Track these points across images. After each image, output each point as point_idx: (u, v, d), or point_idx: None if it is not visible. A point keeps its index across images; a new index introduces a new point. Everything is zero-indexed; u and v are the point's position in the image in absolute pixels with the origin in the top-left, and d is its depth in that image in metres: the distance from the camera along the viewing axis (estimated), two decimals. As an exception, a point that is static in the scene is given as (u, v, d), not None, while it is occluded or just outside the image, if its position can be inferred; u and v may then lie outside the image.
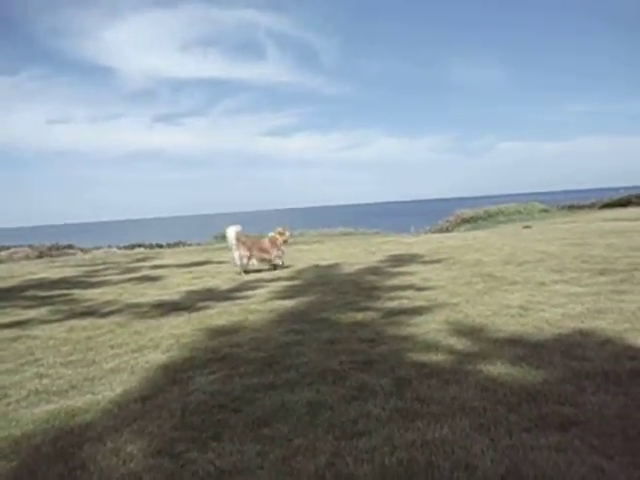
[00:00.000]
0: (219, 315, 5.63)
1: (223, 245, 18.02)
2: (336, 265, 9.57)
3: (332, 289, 6.86)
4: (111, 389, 3.46)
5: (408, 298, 5.85)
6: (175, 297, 7.08)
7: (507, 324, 4.45)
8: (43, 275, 11.21)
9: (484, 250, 10.16)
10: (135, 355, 4.26)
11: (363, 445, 2.45)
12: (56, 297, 7.77)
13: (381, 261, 9.72)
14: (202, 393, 3.25)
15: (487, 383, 3.10)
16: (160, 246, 23.38)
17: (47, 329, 5.50)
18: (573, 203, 31.72)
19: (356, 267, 9.04)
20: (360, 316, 5.12)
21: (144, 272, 10.57)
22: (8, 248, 20.75)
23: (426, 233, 22.96)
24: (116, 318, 5.85)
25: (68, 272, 11.62)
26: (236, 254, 9.16)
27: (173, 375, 3.66)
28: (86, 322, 5.72)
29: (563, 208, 30.52)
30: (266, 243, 9.32)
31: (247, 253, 9.13)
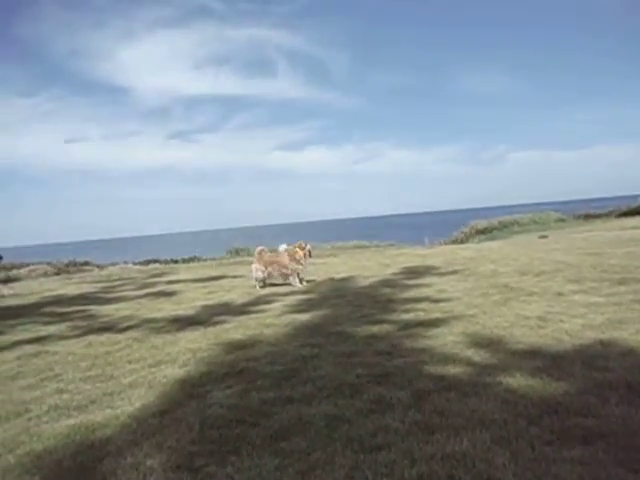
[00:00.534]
0: (235, 329, 5.65)
1: (238, 260, 18.12)
2: (350, 278, 9.55)
3: (347, 302, 6.84)
4: (130, 404, 3.49)
5: (424, 310, 5.81)
6: (191, 312, 7.13)
7: (525, 335, 4.39)
8: (61, 292, 11.38)
9: (500, 261, 10.06)
10: (153, 370, 4.29)
11: (382, 459, 2.42)
12: (74, 313, 7.87)
13: (396, 273, 9.68)
14: (220, 407, 3.26)
15: (507, 395, 3.06)
16: (175, 261, 23.58)
17: (66, 345, 5.57)
18: (589, 212, 31.27)
19: (371, 280, 9.02)
20: (376, 329, 5.09)
21: (160, 287, 10.67)
22: (27, 265, 21.12)
23: (440, 245, 22.81)
24: (133, 333, 5.91)
25: (85, 288, 11.78)
26: (253, 267, 9.24)
27: (190, 389, 3.68)
28: (104, 337, 5.79)
29: (579, 217, 30.10)
30: (285, 258, 9.26)
31: (262, 268, 9.15)
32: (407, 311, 5.84)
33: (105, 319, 7.10)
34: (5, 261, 20.29)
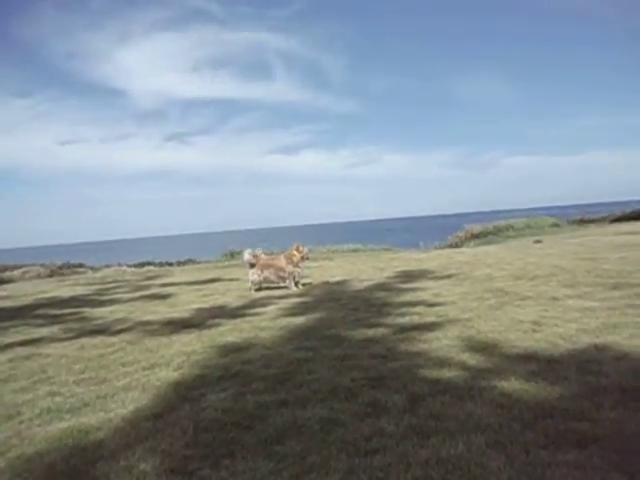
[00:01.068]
0: (230, 332, 5.62)
1: (233, 263, 18.07)
2: (345, 281, 9.55)
3: (342, 305, 6.84)
4: (123, 407, 3.46)
5: (419, 314, 5.82)
6: (185, 314, 7.10)
7: (520, 339, 4.40)
8: (54, 294, 11.31)
9: (495, 265, 10.10)
10: (146, 372, 4.26)
11: (377, 463, 2.42)
12: (67, 315, 7.82)
13: (391, 277, 9.68)
14: (214, 410, 3.24)
15: (502, 399, 3.06)
16: (170, 264, 23.49)
17: (59, 347, 5.53)
18: (584, 217, 31.42)
19: (366, 283, 9.02)
20: (371, 332, 5.09)
21: (154, 290, 10.62)
22: (20, 267, 20.96)
23: (435, 249, 22.86)
24: (127, 336, 5.87)
25: (79, 290, 11.71)
26: (250, 271, 9.21)
27: (185, 392, 3.66)
28: (97, 340, 5.75)
29: (574, 222, 30.25)
30: (282, 261, 9.23)
31: (259, 271, 9.13)
32: (402, 315, 5.85)
33: (99, 321, 7.06)
34: (-2, 263, 20.14)
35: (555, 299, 6.08)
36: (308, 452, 2.58)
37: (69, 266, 22.74)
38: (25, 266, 21.20)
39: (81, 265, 23.57)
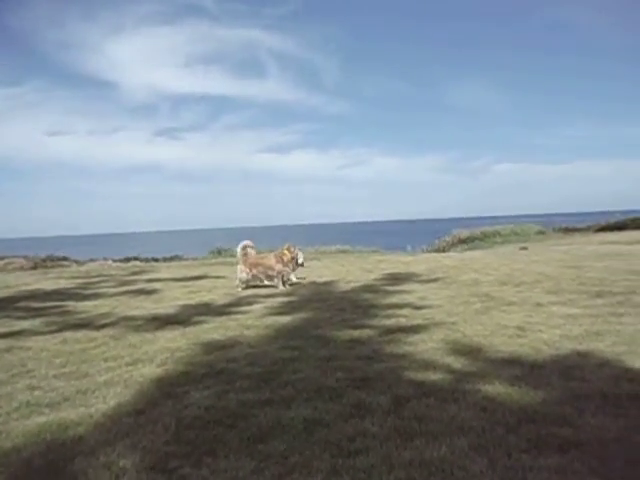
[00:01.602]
0: (215, 330, 5.58)
1: (220, 260, 17.98)
2: (333, 282, 9.54)
3: (329, 306, 6.83)
4: (104, 402, 3.41)
5: (405, 316, 5.83)
6: (171, 311, 7.03)
7: (505, 344, 4.43)
8: (37, 286, 11.12)
9: (481, 270, 10.17)
10: (129, 368, 4.21)
11: (360, 463, 2.41)
12: (50, 309, 7.70)
13: (378, 279, 9.70)
14: (197, 408, 3.21)
15: (485, 403, 3.08)
16: (156, 260, 23.28)
17: (40, 340, 5.43)
18: (569, 225, 31.89)
19: (353, 285, 9.02)
20: (357, 333, 5.09)
21: (139, 285, 10.50)
22: (2, 259, 20.58)
23: (423, 252, 22.99)
24: (110, 331, 5.79)
25: (62, 284, 11.54)
26: (238, 268, 9.16)
27: (168, 389, 3.62)
28: (80, 334, 5.66)
29: (559, 230, 30.66)
30: (271, 260, 9.19)
31: (247, 269, 9.08)
32: (388, 317, 5.86)
33: (82, 316, 6.95)
34: (-20, 253, 19.76)
35: (539, 305, 6.14)
36: (291, 452, 2.56)
37: (53, 259, 22.41)
38: (7, 258, 20.84)
39: (65, 258, 23.24)
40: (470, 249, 23.65)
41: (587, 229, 29.75)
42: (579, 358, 3.93)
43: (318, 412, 3.04)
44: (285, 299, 7.72)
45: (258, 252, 9.93)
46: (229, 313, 6.63)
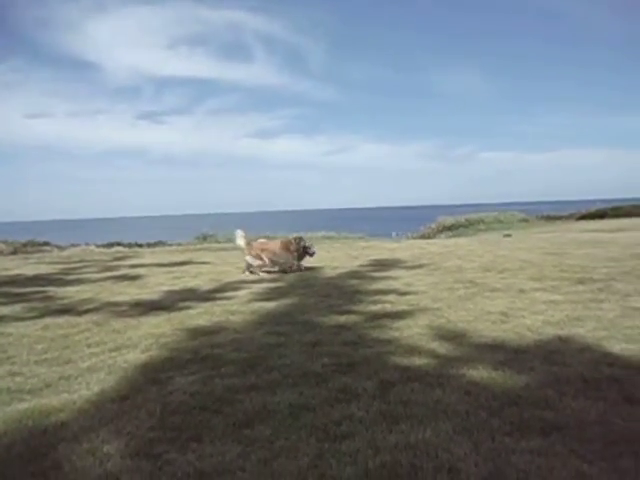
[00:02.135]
0: (200, 315, 5.55)
1: (205, 246, 17.84)
2: (318, 268, 9.54)
3: (314, 292, 6.83)
4: (88, 388, 3.37)
5: (391, 302, 5.86)
6: (155, 296, 6.96)
7: (489, 329, 4.49)
8: (17, 272, 10.91)
9: (465, 257, 10.27)
10: (113, 354, 4.16)
11: (346, 447, 2.42)
12: (31, 294, 7.56)
13: (364, 265, 9.73)
14: (182, 393, 3.19)
15: (470, 387, 3.11)
16: (140, 245, 22.98)
17: (21, 326, 5.33)
18: (551, 214, 32.35)
19: (338, 271, 9.03)
20: (343, 319, 5.10)
21: (123, 271, 10.37)
22: (-19, 243, 20.11)
23: (408, 239, 23.12)
24: (93, 316, 5.72)
25: (44, 269, 11.33)
26: (248, 257, 9.10)
27: (152, 375, 3.58)
28: (62, 320, 5.58)
29: (542, 218, 31.08)
30: (277, 246, 9.14)
31: (254, 253, 9.04)
32: (374, 302, 5.88)
33: (64, 301, 6.84)
34: (-43, 238, 19.29)
35: (523, 291, 6.23)
36: (277, 436, 2.57)
37: (34, 244, 21.98)
38: (-14, 242, 20.37)
39: (47, 243, 22.81)
40: (455, 236, 23.85)
41: (569, 217, 30.24)
42: (561, 343, 4.00)
43: (304, 397, 3.05)
44: (271, 285, 7.70)
45: (255, 239, 9.89)
46: (214, 299, 6.59)
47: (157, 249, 18.58)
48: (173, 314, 5.68)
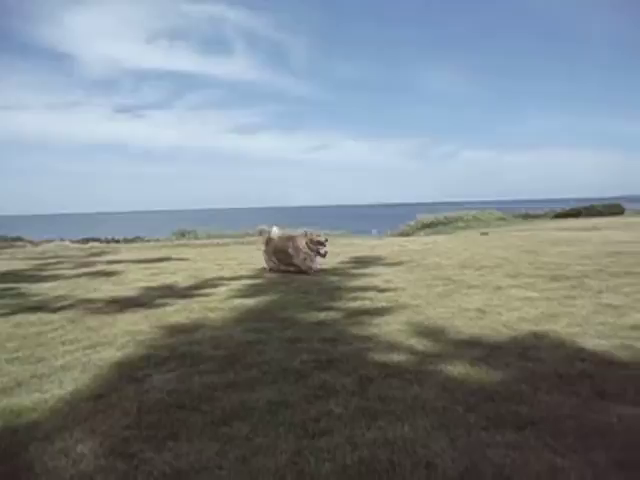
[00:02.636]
0: (178, 312, 5.48)
1: (183, 242, 17.62)
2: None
3: (294, 289, 6.82)
4: (61, 387, 3.29)
5: (370, 299, 5.89)
6: (132, 293, 6.84)
7: (466, 326, 4.54)
8: (-11, 267, 10.59)
9: (444, 254, 10.39)
10: (88, 352, 4.07)
11: (325, 444, 2.42)
12: (2, 291, 7.35)
13: (344, 262, 9.75)
14: (159, 391, 3.14)
15: (447, 383, 3.15)
16: (116, 241, 22.59)
17: (-8, 324, 5.19)
18: (528, 212, 33.01)
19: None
20: (322, 316, 5.10)
21: (99, 267, 10.18)
22: (-50, 238, 19.53)
23: (388, 236, 23.28)
24: (68, 313, 5.59)
25: (16, 265, 11.04)
26: (264, 256, 8.97)
27: (128, 373, 3.52)
28: (35, 317, 5.44)
29: (519, 217, 31.71)
30: (290, 246, 8.60)
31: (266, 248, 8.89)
32: (354, 299, 5.90)
33: (37, 298, 6.68)
34: None
35: (499, 288, 6.33)
36: (255, 434, 2.55)
37: (6, 239, 21.42)
38: (-44, 237, 19.76)
39: (19, 238, 22.27)
40: (433, 234, 24.12)
41: (545, 216, 30.90)
42: (536, 339, 4.08)
43: (283, 394, 3.03)
44: (250, 281, 7.65)
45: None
46: (192, 296, 6.52)
47: (134, 245, 18.29)
48: (150, 311, 5.59)
